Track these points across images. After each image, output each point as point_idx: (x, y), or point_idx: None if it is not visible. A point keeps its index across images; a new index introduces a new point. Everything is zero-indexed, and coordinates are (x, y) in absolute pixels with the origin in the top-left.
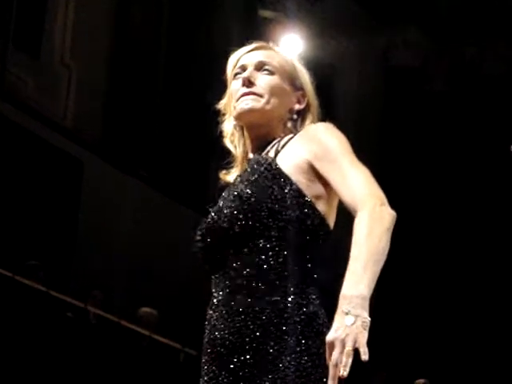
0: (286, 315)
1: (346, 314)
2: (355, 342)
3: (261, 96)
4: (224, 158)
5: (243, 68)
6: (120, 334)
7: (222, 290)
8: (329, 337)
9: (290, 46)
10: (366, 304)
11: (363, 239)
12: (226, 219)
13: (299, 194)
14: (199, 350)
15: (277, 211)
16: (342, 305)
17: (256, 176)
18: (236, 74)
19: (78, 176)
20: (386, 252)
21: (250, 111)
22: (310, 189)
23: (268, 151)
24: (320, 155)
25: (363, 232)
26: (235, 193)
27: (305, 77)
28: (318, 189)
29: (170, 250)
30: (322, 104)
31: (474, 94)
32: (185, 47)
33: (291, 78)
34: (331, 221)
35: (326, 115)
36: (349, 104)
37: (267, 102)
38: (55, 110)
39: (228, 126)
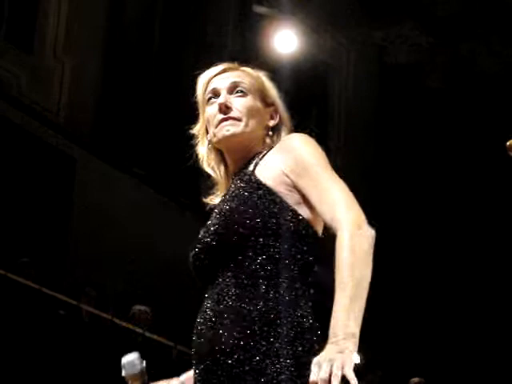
0: (276, 325)
1: (336, 346)
2: (342, 366)
3: (239, 120)
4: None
5: (215, 92)
6: (113, 331)
7: (212, 301)
8: (316, 359)
9: (285, 42)
10: (356, 341)
11: (348, 267)
12: (211, 236)
13: (281, 202)
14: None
15: (260, 222)
16: (332, 341)
17: (237, 191)
18: (209, 99)
19: (71, 173)
20: (370, 274)
21: (232, 137)
22: (290, 197)
23: (249, 165)
24: (296, 170)
25: (347, 259)
26: (220, 210)
27: (273, 91)
28: (298, 196)
29: (164, 248)
30: (317, 101)
31: (469, 90)
32: (179, 43)
33: (262, 96)
34: (318, 225)
35: (321, 111)
36: (344, 100)
37: (246, 125)
38: (48, 106)
39: (202, 150)
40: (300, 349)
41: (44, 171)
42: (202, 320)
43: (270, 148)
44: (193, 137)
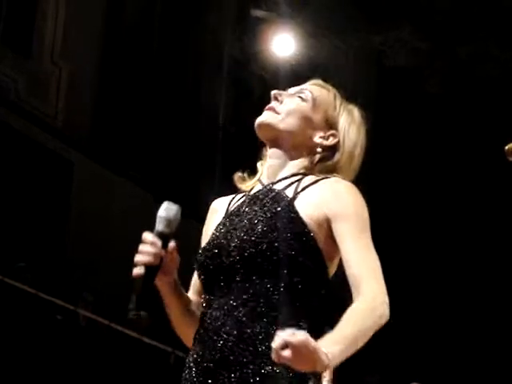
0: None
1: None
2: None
3: (278, 113)
4: (214, 163)
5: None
6: (110, 336)
7: (217, 311)
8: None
9: (283, 46)
10: (334, 362)
11: (355, 322)
12: (235, 249)
13: (313, 244)
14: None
15: (287, 256)
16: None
17: (271, 214)
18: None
19: (69, 177)
20: (360, 345)
21: (263, 124)
22: (323, 243)
23: (286, 186)
24: (341, 218)
25: (358, 317)
26: (248, 225)
27: (346, 121)
28: (330, 245)
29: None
30: None
31: (468, 94)
32: (177, 47)
33: (326, 115)
34: (331, 273)
35: None
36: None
37: (282, 121)
38: (46, 110)
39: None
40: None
41: (41, 175)
42: (209, 326)
43: (312, 176)
44: (191, 141)
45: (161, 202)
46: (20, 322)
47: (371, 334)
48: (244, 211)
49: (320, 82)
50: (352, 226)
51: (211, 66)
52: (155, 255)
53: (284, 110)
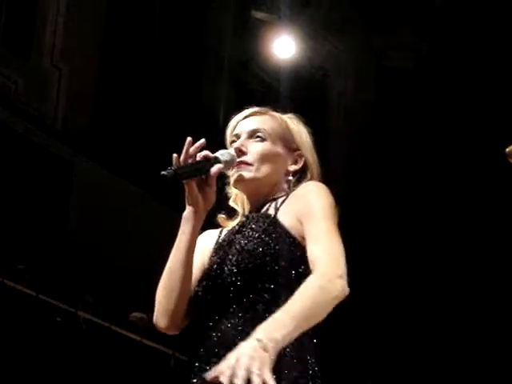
0: (280, 365)
1: (260, 343)
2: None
3: (251, 165)
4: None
5: (238, 136)
6: (110, 339)
7: (220, 334)
8: (237, 351)
9: (283, 48)
10: (277, 347)
11: (303, 299)
12: (229, 273)
13: (301, 250)
14: (190, 356)
15: (281, 267)
16: (258, 339)
17: (259, 233)
18: (232, 142)
19: (68, 178)
20: (317, 320)
21: (241, 181)
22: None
23: (267, 209)
24: (304, 214)
25: (307, 294)
26: (239, 247)
27: (301, 136)
28: None
29: (162, 254)
30: (315, 106)
31: (468, 97)
32: (177, 49)
33: (285, 141)
34: None
35: (319, 117)
36: (342, 106)
37: (257, 171)
38: (45, 112)
39: (232, 189)
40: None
41: (41, 176)
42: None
43: (288, 194)
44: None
45: (161, 203)
46: (20, 324)
47: (324, 311)
48: (233, 239)
49: (257, 109)
50: (314, 219)
51: (212, 68)
52: (205, 157)
53: (254, 159)
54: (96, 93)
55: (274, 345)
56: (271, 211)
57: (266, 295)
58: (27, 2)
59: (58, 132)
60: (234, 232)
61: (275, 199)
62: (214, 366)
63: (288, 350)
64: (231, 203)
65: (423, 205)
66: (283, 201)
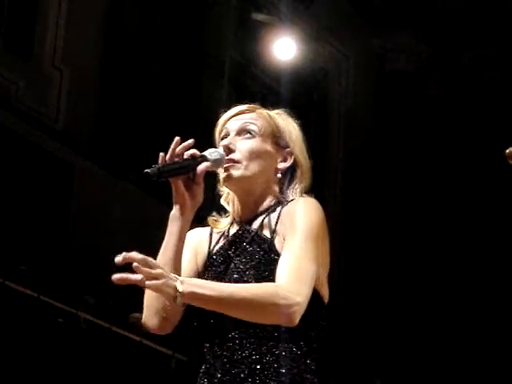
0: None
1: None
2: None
3: (239, 163)
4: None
5: (226, 134)
6: (111, 339)
7: (221, 361)
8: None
9: (284, 49)
10: (187, 293)
11: (248, 289)
12: None
13: None
14: (190, 356)
15: None
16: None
17: (257, 260)
18: (222, 139)
19: (69, 180)
20: (242, 312)
21: (230, 179)
22: None
23: (262, 222)
24: (288, 232)
25: (254, 288)
26: (236, 276)
27: (291, 134)
28: None
29: None
30: (316, 108)
31: (468, 98)
32: (178, 51)
33: (274, 138)
34: (325, 292)
35: (320, 119)
36: (342, 108)
37: (246, 168)
38: (47, 114)
39: (224, 188)
40: None
41: (43, 178)
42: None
43: (279, 204)
44: (195, 144)
45: (163, 205)
46: (21, 325)
47: (260, 312)
48: (228, 258)
49: (245, 107)
50: (294, 238)
51: (212, 70)
52: (192, 155)
53: (243, 156)
54: (97, 94)
55: (186, 287)
56: (266, 232)
57: (266, 327)
58: (28, 4)
59: (58, 134)
60: (227, 247)
61: (268, 210)
62: (220, 369)
63: (284, 353)
64: (222, 202)
65: (424, 204)
66: (277, 220)
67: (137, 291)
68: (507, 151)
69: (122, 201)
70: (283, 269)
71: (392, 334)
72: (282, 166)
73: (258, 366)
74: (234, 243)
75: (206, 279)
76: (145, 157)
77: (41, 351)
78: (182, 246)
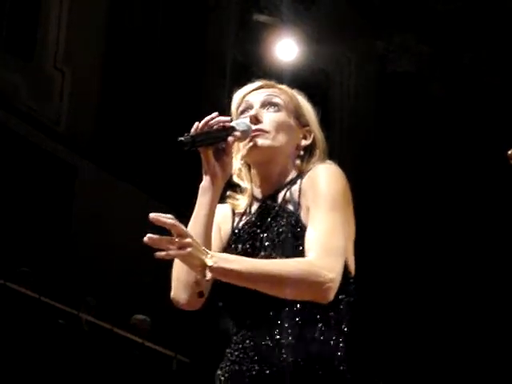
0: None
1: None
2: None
3: (268, 133)
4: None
5: (249, 106)
6: (113, 341)
7: (247, 340)
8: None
9: (286, 50)
10: (217, 267)
11: (285, 264)
12: None
13: None
14: (192, 358)
15: None
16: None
17: (284, 235)
18: (242, 112)
19: (71, 181)
20: (276, 288)
21: (258, 149)
22: None
23: (284, 196)
24: (311, 203)
25: (286, 264)
26: (263, 251)
27: (310, 112)
28: None
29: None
30: (317, 110)
31: (470, 99)
32: (179, 52)
33: (297, 115)
34: (351, 263)
35: (321, 120)
36: (344, 109)
37: (274, 139)
38: (48, 115)
39: (236, 164)
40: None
41: (44, 179)
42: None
43: (300, 176)
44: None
45: (165, 207)
46: (22, 327)
47: (292, 287)
48: (254, 234)
49: (265, 82)
50: (319, 210)
51: (214, 71)
52: (223, 125)
53: (270, 127)
54: (99, 96)
55: (216, 262)
56: (290, 206)
57: (293, 302)
58: (30, 6)
59: (60, 135)
60: (252, 224)
61: (289, 184)
62: (247, 348)
63: (316, 334)
64: (235, 179)
65: (426, 204)
66: (299, 192)
67: (138, 293)
68: (509, 152)
69: (124, 202)
70: (313, 244)
71: (394, 336)
72: (303, 143)
73: (286, 344)
74: (258, 220)
75: (232, 251)
76: (147, 158)
77: (42, 352)
78: (213, 219)
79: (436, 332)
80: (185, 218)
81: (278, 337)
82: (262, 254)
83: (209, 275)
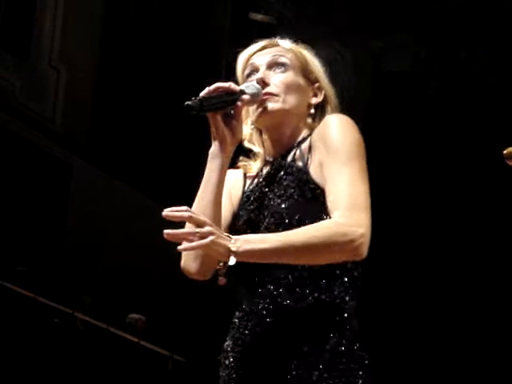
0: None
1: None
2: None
3: (277, 95)
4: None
5: (255, 68)
6: (108, 340)
7: (257, 308)
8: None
9: None
10: (244, 247)
11: (304, 233)
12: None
13: None
14: (188, 357)
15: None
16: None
17: (292, 190)
18: (248, 75)
19: (67, 180)
20: (314, 257)
21: (269, 113)
22: None
23: (294, 155)
24: (325, 156)
25: (311, 231)
26: (272, 209)
27: (318, 68)
28: None
29: (160, 256)
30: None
31: (467, 98)
32: (175, 51)
33: (305, 72)
34: None
35: None
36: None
37: (284, 102)
38: (43, 114)
39: (246, 130)
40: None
41: (39, 178)
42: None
43: (312, 130)
44: (191, 143)
45: (161, 206)
46: (17, 326)
47: (327, 249)
48: (262, 193)
49: (269, 41)
50: (336, 162)
51: (210, 71)
52: (231, 89)
53: (280, 89)
54: (94, 94)
55: (240, 246)
56: (299, 162)
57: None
58: (25, 4)
59: (55, 134)
60: (261, 183)
61: (300, 143)
62: (255, 316)
63: (323, 296)
64: (247, 144)
65: (421, 204)
66: (309, 148)
67: (134, 292)
68: (505, 151)
69: (119, 201)
70: (335, 202)
71: (396, 337)
72: (314, 100)
73: (295, 312)
74: (268, 179)
75: (242, 218)
76: (143, 157)
77: (37, 352)
78: (223, 185)
79: (437, 333)
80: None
81: (279, 306)
82: (271, 210)
83: (233, 260)
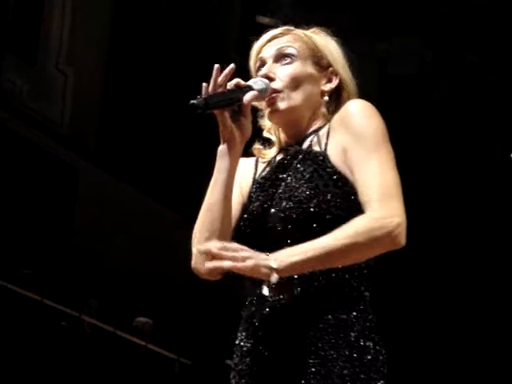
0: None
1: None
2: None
3: (281, 91)
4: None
5: (263, 62)
6: (115, 343)
7: (263, 307)
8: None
9: None
10: (283, 265)
11: (340, 235)
12: (277, 219)
13: (354, 191)
14: (194, 360)
15: (337, 216)
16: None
17: (310, 174)
18: (258, 69)
19: (74, 183)
20: (355, 255)
21: (278, 112)
22: None
23: (311, 141)
24: (350, 142)
25: (347, 231)
26: (287, 193)
27: (332, 52)
28: None
29: (166, 259)
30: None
31: (472, 102)
32: (182, 54)
33: (316, 59)
34: None
35: None
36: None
37: (290, 98)
38: (51, 117)
39: (263, 122)
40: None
41: (47, 182)
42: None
43: (329, 118)
44: (198, 147)
45: (167, 209)
46: (25, 329)
47: (368, 246)
48: (277, 179)
49: (278, 30)
50: (362, 149)
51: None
52: (237, 85)
53: (284, 84)
54: (101, 97)
55: (280, 262)
56: (317, 148)
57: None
58: (33, 8)
59: (63, 137)
60: (276, 169)
61: (317, 131)
62: (261, 315)
63: (335, 293)
64: (265, 134)
65: (427, 207)
66: (328, 133)
67: (141, 295)
68: None
69: (126, 204)
70: (366, 191)
71: (396, 338)
72: (327, 87)
73: (304, 311)
74: (283, 165)
75: (254, 203)
76: (150, 160)
77: (44, 355)
78: (232, 184)
79: (438, 334)
80: (188, 219)
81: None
82: (286, 195)
83: (275, 277)
